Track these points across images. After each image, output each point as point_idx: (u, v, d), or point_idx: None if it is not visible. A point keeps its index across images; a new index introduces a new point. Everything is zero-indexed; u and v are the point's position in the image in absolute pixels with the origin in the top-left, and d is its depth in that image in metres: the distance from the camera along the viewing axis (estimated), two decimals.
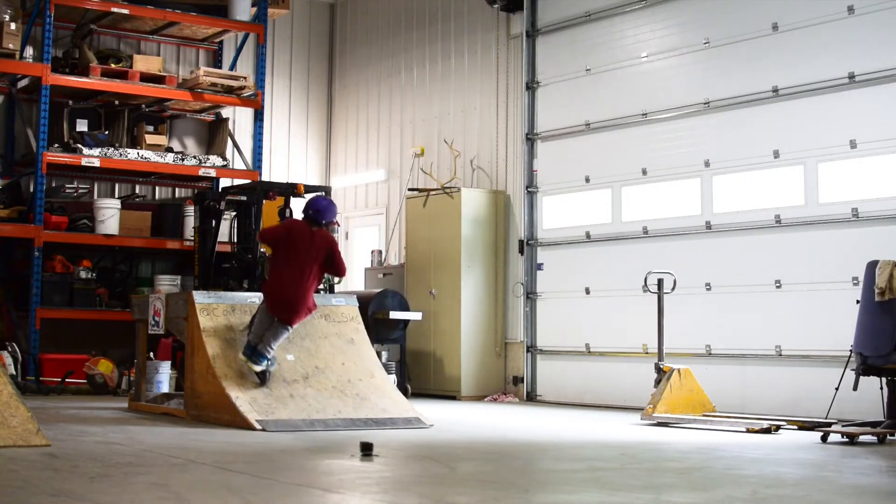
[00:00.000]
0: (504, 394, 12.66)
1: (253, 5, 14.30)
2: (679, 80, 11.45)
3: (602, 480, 5.87)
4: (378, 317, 12.24)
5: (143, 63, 13.52)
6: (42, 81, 12.58)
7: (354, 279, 15.14)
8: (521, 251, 12.86)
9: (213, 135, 14.69)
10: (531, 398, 12.61)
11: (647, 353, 11.18)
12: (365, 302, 11.93)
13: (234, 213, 11.27)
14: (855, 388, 8.33)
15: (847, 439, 8.00)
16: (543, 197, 12.83)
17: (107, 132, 13.47)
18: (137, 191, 14.57)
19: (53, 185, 13.34)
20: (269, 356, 8.72)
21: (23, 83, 13.39)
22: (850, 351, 8.55)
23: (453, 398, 12.62)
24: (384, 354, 12.17)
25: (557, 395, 12.35)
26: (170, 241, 13.67)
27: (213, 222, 10.82)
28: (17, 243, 12.98)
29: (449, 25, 14.36)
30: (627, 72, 12.01)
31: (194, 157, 13.86)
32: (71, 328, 12.94)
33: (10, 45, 12.44)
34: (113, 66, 13.32)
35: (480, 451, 7.34)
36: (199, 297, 9.02)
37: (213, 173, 13.88)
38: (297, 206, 11.25)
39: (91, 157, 12.91)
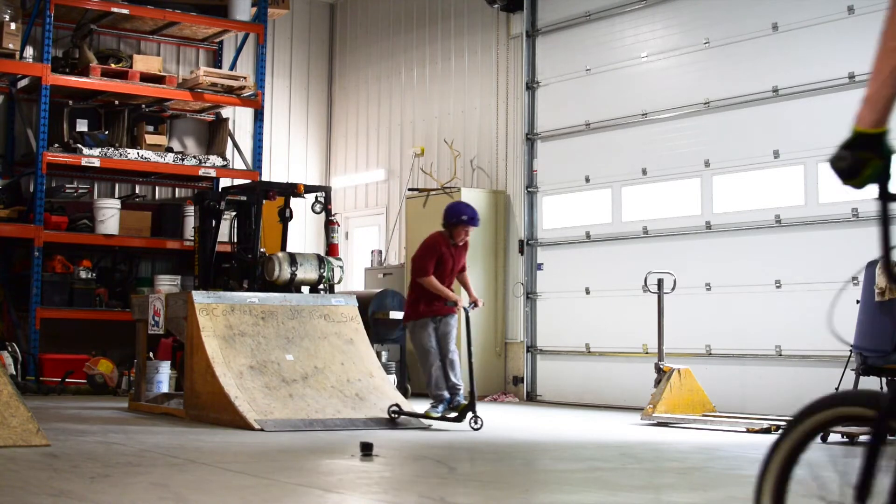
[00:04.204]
0: (504, 394, 12.66)
1: (253, 5, 14.30)
2: (679, 80, 11.44)
3: (602, 480, 5.87)
4: (378, 317, 12.24)
5: (143, 63, 13.52)
6: (42, 81, 12.58)
7: (354, 279, 15.14)
8: (521, 251, 12.86)
9: (213, 135, 14.69)
10: (531, 398, 12.61)
11: (647, 353, 11.17)
12: (365, 302, 11.92)
13: (234, 213, 11.26)
14: (855, 389, 8.33)
15: (847, 439, 8.00)
16: (543, 197, 12.83)
17: (107, 132, 13.47)
18: (137, 191, 14.57)
19: (53, 185, 13.34)
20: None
21: (23, 83, 13.39)
22: (850, 351, 8.54)
23: None
24: (384, 354, 12.17)
25: (557, 395, 12.35)
26: (170, 241, 13.68)
27: (213, 222, 10.81)
28: (17, 243, 12.98)
29: (449, 25, 14.36)
30: (627, 72, 12.01)
31: (194, 157, 13.86)
32: (71, 328, 12.94)
33: (10, 45, 12.44)
34: (113, 66, 13.31)
35: (480, 451, 7.34)
36: (199, 297, 9.02)
37: (213, 173, 13.88)
38: (298, 206, 11.27)
39: (91, 157, 12.91)
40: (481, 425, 8.53)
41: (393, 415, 8.65)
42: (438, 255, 8.95)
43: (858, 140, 2.49)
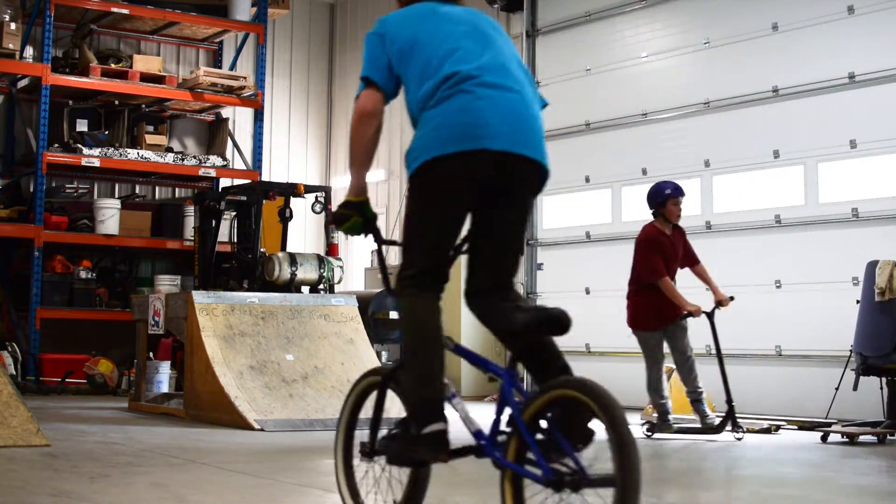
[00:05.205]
0: None
1: (253, 5, 14.30)
2: (679, 80, 11.44)
3: None
4: (378, 317, 12.23)
5: (143, 63, 13.52)
6: (42, 81, 12.58)
7: (354, 279, 15.14)
8: (521, 251, 12.85)
9: (213, 135, 14.69)
10: None
11: None
12: (365, 302, 11.92)
13: (234, 213, 11.25)
14: (855, 388, 8.33)
15: (847, 439, 8.00)
16: (543, 197, 12.82)
17: (107, 132, 13.47)
18: (137, 191, 14.57)
19: (53, 185, 13.34)
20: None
21: (23, 83, 13.39)
22: (850, 351, 8.54)
23: None
24: (384, 354, 12.17)
25: None
26: (170, 241, 13.67)
27: (213, 222, 10.81)
28: (17, 243, 12.98)
29: None
30: (627, 72, 12.01)
31: (194, 157, 13.86)
32: (71, 328, 12.94)
33: (10, 45, 12.43)
34: (113, 66, 13.31)
35: None
36: (199, 297, 9.02)
37: (213, 173, 13.88)
38: (298, 206, 11.27)
39: (91, 157, 12.91)
40: (743, 435, 8.00)
41: (648, 433, 8.16)
42: (661, 247, 8.24)
43: (347, 204, 3.79)
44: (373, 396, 3.95)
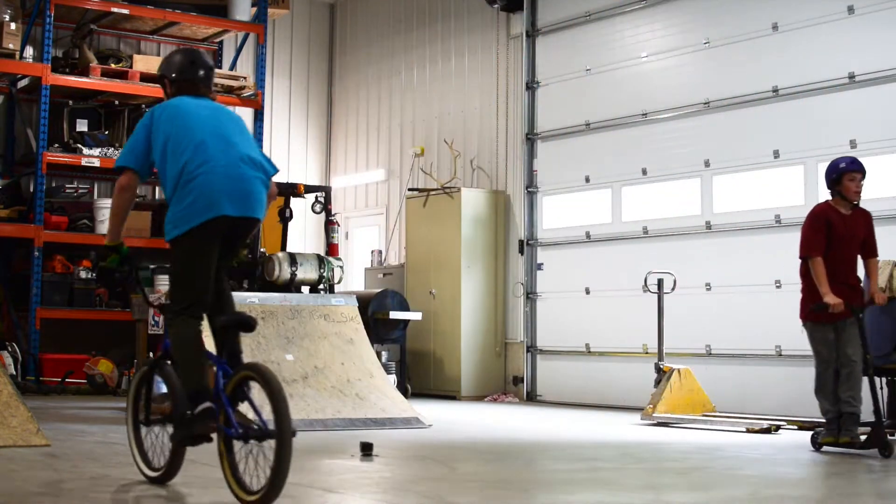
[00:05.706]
0: (504, 394, 12.66)
1: (253, 5, 14.29)
2: (679, 80, 11.45)
3: (602, 480, 5.87)
4: (378, 317, 12.24)
5: (143, 63, 13.52)
6: (42, 81, 12.57)
7: (354, 279, 15.14)
8: (521, 251, 12.86)
9: None
10: (531, 398, 12.61)
11: (647, 353, 11.18)
12: (365, 302, 11.92)
13: None
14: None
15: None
16: (543, 197, 12.83)
17: (107, 132, 13.46)
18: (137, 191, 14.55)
19: (53, 185, 13.33)
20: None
21: (23, 83, 13.38)
22: None
23: (453, 398, 12.62)
24: (384, 354, 12.17)
25: (557, 395, 12.35)
26: None
27: None
28: (17, 243, 12.97)
29: (449, 25, 14.36)
30: (627, 72, 12.01)
31: None
32: (71, 328, 12.93)
33: (10, 45, 12.42)
34: (113, 66, 13.31)
35: (480, 451, 7.34)
36: None
37: None
38: (298, 206, 11.27)
39: (91, 157, 12.91)
40: (890, 454, 6.98)
41: (815, 446, 7.41)
42: (828, 226, 7.42)
43: (106, 247, 5.29)
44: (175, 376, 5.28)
